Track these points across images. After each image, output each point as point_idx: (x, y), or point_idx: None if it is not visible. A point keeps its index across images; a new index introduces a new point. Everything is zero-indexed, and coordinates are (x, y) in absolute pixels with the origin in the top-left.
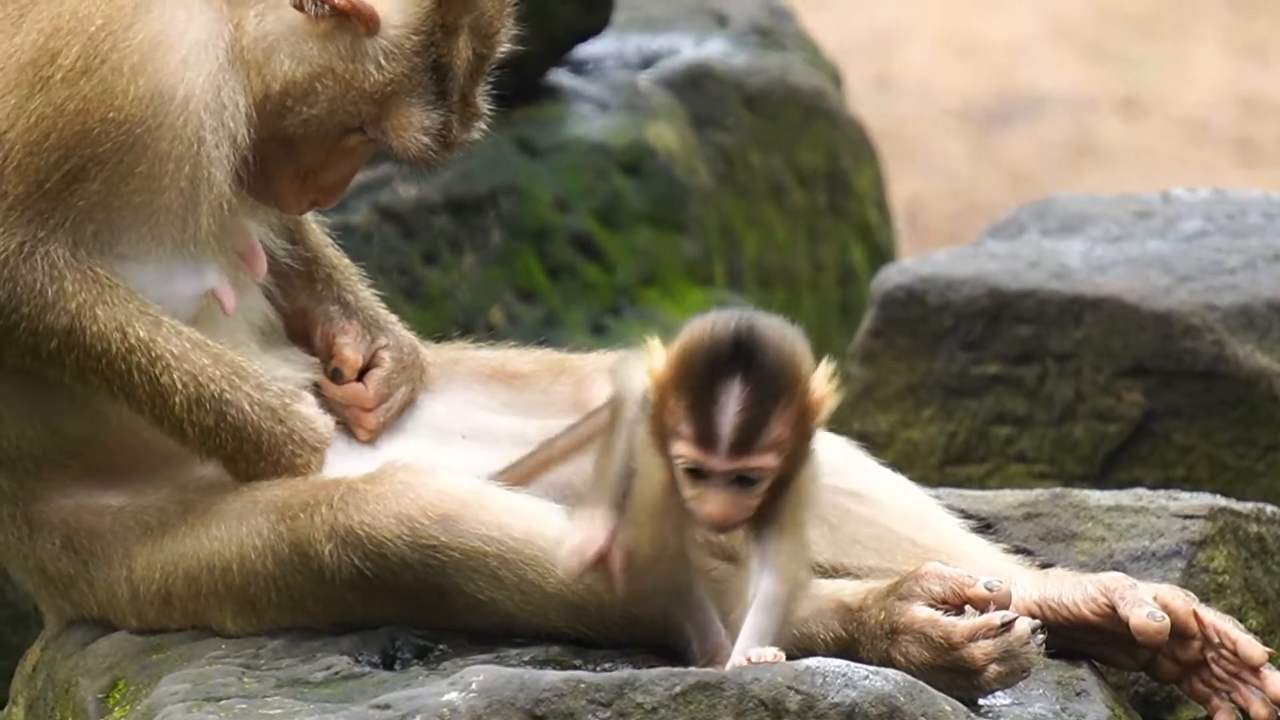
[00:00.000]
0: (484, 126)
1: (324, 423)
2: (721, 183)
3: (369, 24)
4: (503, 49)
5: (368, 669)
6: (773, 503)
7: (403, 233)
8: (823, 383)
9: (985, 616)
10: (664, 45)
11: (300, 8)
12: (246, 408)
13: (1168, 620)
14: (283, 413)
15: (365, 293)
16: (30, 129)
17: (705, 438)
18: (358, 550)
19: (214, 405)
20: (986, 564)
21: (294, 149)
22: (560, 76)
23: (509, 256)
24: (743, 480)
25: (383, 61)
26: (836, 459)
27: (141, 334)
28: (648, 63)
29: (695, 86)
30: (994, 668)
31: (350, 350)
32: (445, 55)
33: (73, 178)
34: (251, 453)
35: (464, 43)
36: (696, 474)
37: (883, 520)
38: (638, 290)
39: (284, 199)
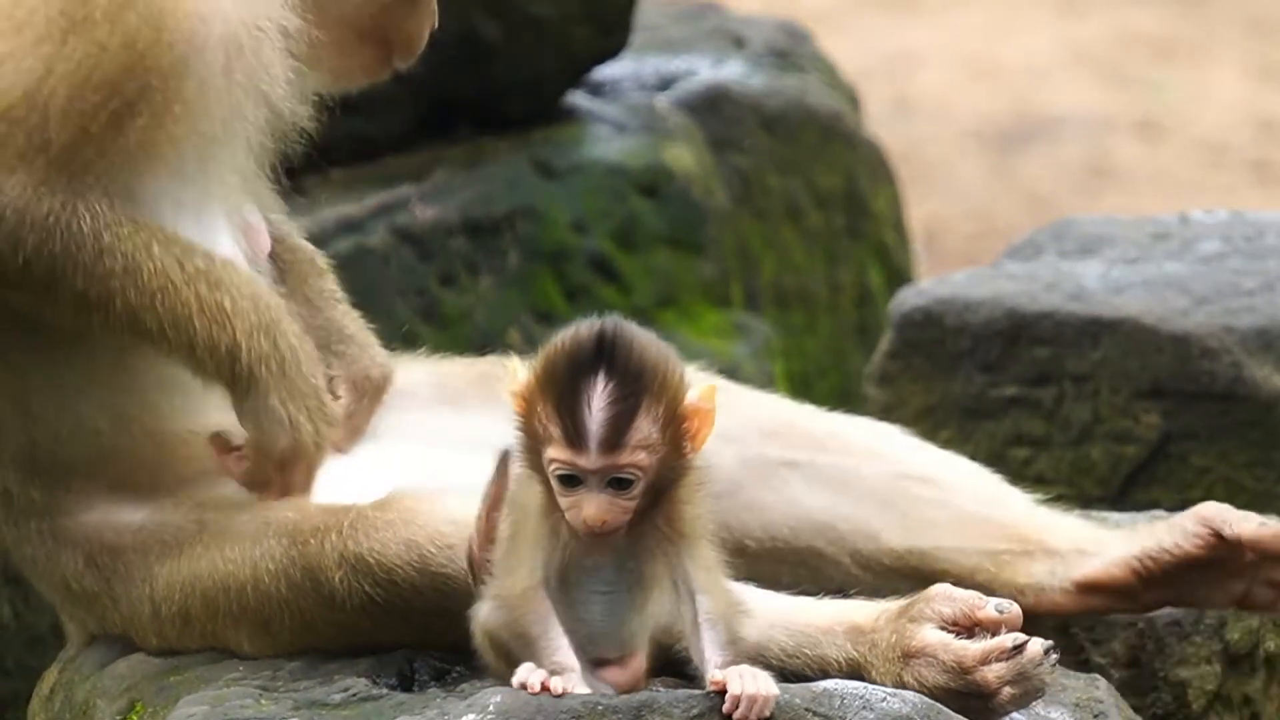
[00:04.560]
0: None
1: (332, 401)
2: (739, 204)
3: None
4: None
5: (385, 691)
6: (667, 522)
7: (420, 255)
8: (700, 394)
9: (998, 639)
10: (681, 67)
11: None
12: (293, 342)
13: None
14: (316, 366)
15: (332, 300)
16: (73, 70)
17: (574, 436)
18: (368, 577)
19: (270, 338)
20: (1067, 534)
21: (394, 8)
22: (578, 98)
23: (526, 278)
24: (617, 482)
25: None
26: (893, 445)
27: (200, 264)
28: (665, 85)
29: (713, 108)
30: (1008, 690)
31: None
32: None
33: (121, 115)
34: (285, 390)
35: None
36: (570, 480)
37: (956, 501)
38: (655, 312)
39: (369, 64)
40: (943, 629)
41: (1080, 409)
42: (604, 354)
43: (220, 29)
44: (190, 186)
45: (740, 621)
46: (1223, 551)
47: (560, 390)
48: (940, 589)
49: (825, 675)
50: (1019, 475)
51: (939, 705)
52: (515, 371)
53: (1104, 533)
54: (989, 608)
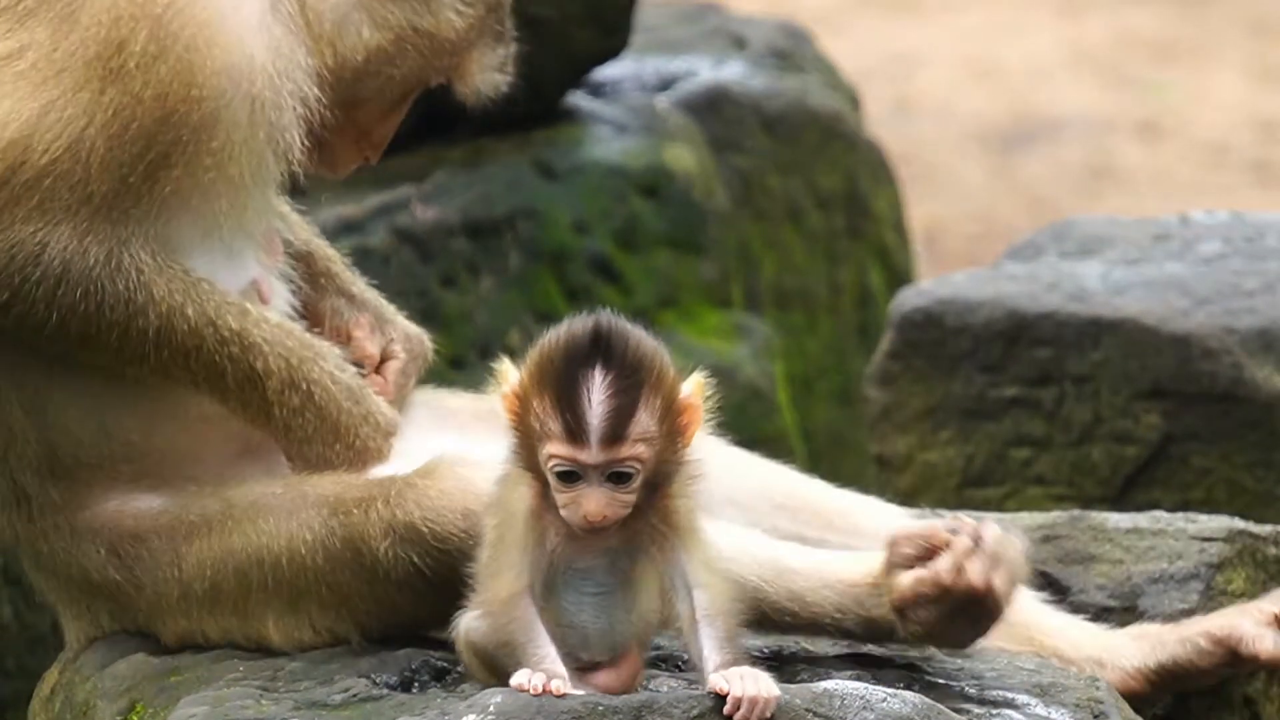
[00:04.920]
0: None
1: (391, 409)
2: (739, 205)
3: None
4: None
5: (386, 691)
6: (662, 519)
7: (421, 256)
8: (692, 387)
9: (957, 542)
10: (682, 68)
11: None
12: (330, 386)
13: None
14: (359, 394)
15: (363, 284)
16: (110, 121)
17: (575, 430)
18: (418, 546)
19: (304, 386)
20: (1078, 642)
21: (358, 110)
22: (578, 99)
23: (527, 279)
24: (616, 476)
25: (461, 8)
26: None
27: (233, 325)
28: (666, 85)
29: (713, 109)
30: (997, 581)
31: (370, 345)
32: None
33: (156, 166)
34: (329, 434)
35: None
36: (569, 476)
37: None
38: (656, 312)
39: (340, 160)
40: (911, 568)
41: (1081, 410)
42: (601, 347)
43: (246, 88)
44: (221, 227)
45: (737, 617)
46: (1236, 664)
47: (559, 384)
48: (897, 534)
49: (872, 633)
50: (1019, 476)
51: (939, 706)
52: (506, 373)
53: (1113, 638)
54: (943, 531)
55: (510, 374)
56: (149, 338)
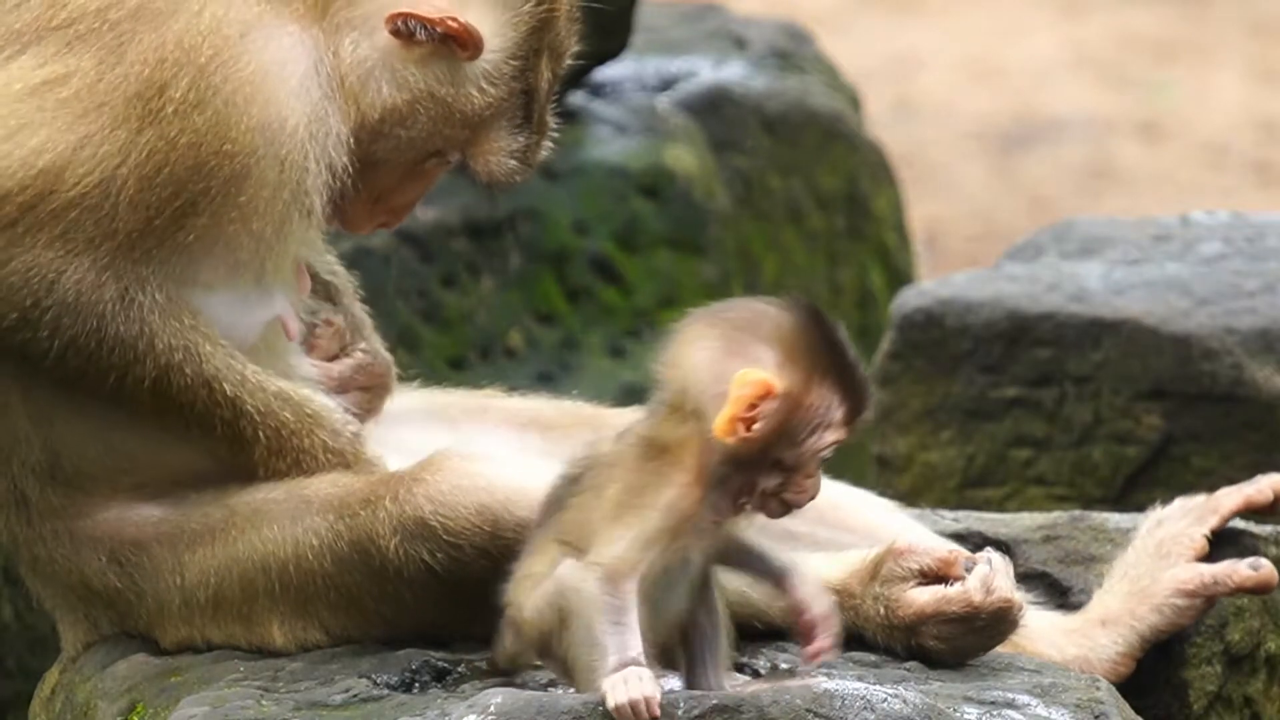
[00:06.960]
0: (552, 144)
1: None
2: (740, 206)
3: (476, 47)
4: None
5: (386, 691)
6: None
7: (421, 256)
8: None
9: (979, 568)
10: (683, 68)
11: (398, 34)
12: (321, 457)
13: (1266, 563)
14: (352, 459)
15: (356, 304)
16: (143, 163)
17: (858, 408)
18: (429, 543)
19: (291, 456)
20: (1059, 641)
21: (374, 172)
22: (579, 99)
23: (528, 280)
24: None
25: (484, 85)
26: (891, 529)
27: (228, 391)
28: (666, 86)
29: (714, 110)
30: (1019, 596)
31: (324, 341)
32: (533, 79)
33: (183, 213)
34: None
35: (545, 64)
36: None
37: None
38: (657, 313)
39: (354, 220)
40: (921, 584)
41: (1081, 410)
42: (832, 326)
43: (277, 148)
44: (243, 275)
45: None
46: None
47: (843, 370)
48: (904, 545)
49: None
50: (1020, 476)
51: (940, 706)
52: (765, 380)
53: (1089, 632)
54: (960, 563)
55: (771, 378)
56: (145, 387)
